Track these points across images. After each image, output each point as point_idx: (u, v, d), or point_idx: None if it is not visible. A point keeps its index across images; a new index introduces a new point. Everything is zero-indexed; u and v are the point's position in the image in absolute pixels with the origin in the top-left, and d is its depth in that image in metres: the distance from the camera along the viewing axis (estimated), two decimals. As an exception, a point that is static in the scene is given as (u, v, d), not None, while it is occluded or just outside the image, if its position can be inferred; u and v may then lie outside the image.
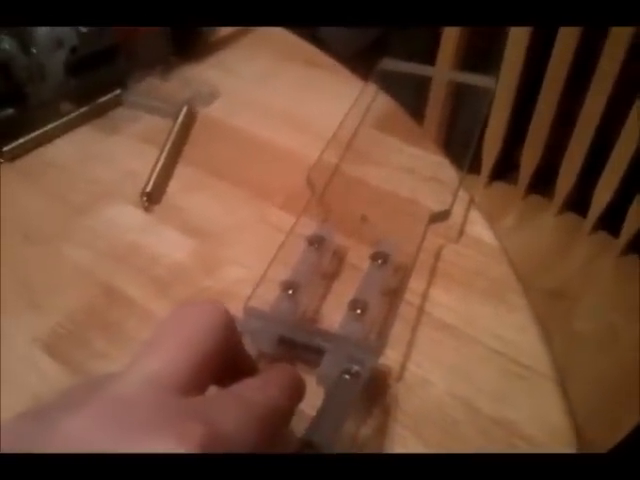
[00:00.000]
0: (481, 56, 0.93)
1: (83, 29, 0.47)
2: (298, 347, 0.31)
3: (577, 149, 0.87)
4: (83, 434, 0.18)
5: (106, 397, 0.19)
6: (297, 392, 0.24)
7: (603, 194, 0.88)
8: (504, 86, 0.91)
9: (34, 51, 0.46)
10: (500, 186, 1.01)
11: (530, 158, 0.95)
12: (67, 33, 0.46)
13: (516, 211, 0.97)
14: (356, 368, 0.29)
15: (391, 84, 0.53)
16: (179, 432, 0.18)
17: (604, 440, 0.71)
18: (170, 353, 0.21)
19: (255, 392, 0.22)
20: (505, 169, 1.00)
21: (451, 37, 0.87)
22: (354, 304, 0.33)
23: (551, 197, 0.95)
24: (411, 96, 0.56)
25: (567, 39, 0.81)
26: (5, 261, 0.38)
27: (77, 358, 0.34)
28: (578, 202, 0.94)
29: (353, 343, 0.31)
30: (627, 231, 0.87)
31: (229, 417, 0.20)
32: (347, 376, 0.29)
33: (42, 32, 0.45)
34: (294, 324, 0.32)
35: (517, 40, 0.85)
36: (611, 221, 0.91)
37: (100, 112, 0.49)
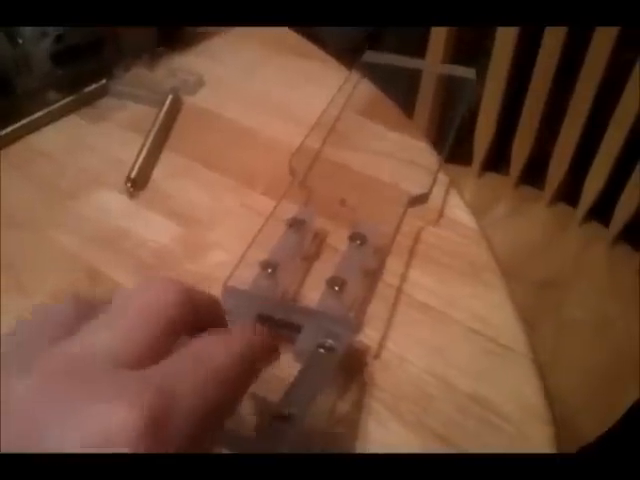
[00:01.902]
0: (470, 50, 0.94)
1: (69, 19, 0.47)
2: (277, 324, 0.32)
3: (567, 140, 0.88)
4: (33, 402, 0.18)
5: (58, 364, 0.19)
6: (263, 351, 0.24)
7: (593, 184, 0.89)
8: (494, 79, 0.91)
9: (20, 41, 0.47)
10: (492, 177, 1.01)
11: (521, 149, 0.95)
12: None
13: (508, 202, 0.98)
14: (331, 342, 0.30)
15: (376, 76, 0.54)
16: (130, 401, 0.18)
17: (594, 426, 0.72)
18: (124, 329, 0.21)
19: (216, 348, 0.22)
20: (496, 160, 1.01)
21: (440, 31, 0.88)
22: (332, 281, 0.33)
23: (542, 188, 0.96)
24: (396, 87, 0.56)
25: (555, 31, 0.82)
26: (-8, 247, 0.39)
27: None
28: (569, 193, 0.95)
29: (330, 318, 0.31)
30: (617, 220, 0.88)
31: (186, 379, 0.20)
32: (322, 350, 0.29)
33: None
34: (272, 301, 0.33)
35: (505, 33, 0.85)
36: (602, 211, 0.92)
37: (87, 101, 0.50)
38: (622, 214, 0.87)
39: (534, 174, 0.98)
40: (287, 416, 0.25)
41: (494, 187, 1.00)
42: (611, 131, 0.83)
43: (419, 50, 0.89)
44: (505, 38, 0.86)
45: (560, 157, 0.90)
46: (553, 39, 0.83)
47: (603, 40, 0.79)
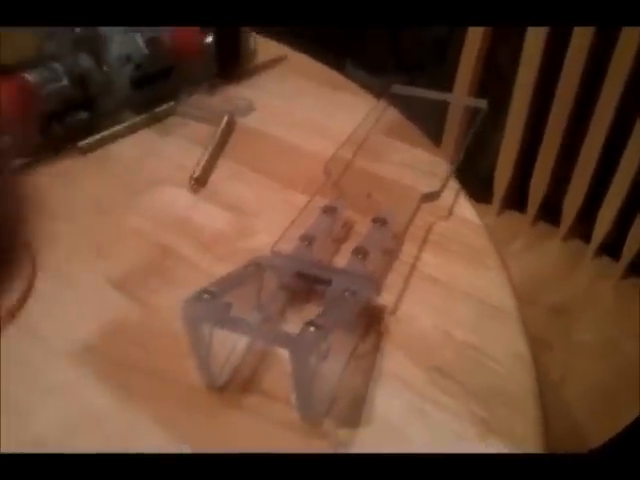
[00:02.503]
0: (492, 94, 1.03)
1: (146, 51, 0.58)
2: (311, 280, 0.40)
3: (580, 181, 0.96)
4: None
5: None
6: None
7: (604, 222, 0.96)
8: (513, 123, 1.01)
9: (106, 69, 0.57)
10: (510, 215, 1.09)
11: (538, 189, 1.03)
12: (133, 52, 0.57)
13: (525, 237, 1.05)
14: (355, 289, 0.38)
15: (404, 107, 0.63)
16: None
17: (599, 435, 0.77)
18: None
19: None
20: (515, 199, 1.09)
21: (469, 66, 0.97)
22: (357, 251, 0.41)
23: (557, 225, 1.03)
24: (421, 117, 0.65)
25: (571, 74, 0.90)
26: (81, 227, 0.48)
27: (138, 293, 0.43)
28: (582, 229, 1.02)
29: (354, 276, 0.39)
30: (627, 254, 0.95)
31: None
32: (347, 294, 0.37)
33: (114, 52, 0.56)
34: (309, 261, 0.41)
35: (525, 82, 0.95)
36: (613, 247, 0.98)
37: (157, 119, 0.60)
38: (631, 248, 0.94)
39: (550, 212, 1.05)
40: (318, 325, 0.32)
41: (512, 224, 1.08)
42: (619, 175, 0.91)
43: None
44: (524, 86, 0.95)
45: (574, 196, 0.98)
46: (569, 85, 0.92)
47: (615, 84, 0.87)
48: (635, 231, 0.92)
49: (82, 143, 0.55)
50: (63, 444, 0.34)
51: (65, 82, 0.54)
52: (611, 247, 0.99)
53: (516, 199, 1.09)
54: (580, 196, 0.98)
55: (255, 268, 0.39)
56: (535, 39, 0.92)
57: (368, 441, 0.34)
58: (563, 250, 1.02)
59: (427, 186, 0.49)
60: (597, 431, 0.78)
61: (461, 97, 0.77)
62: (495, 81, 1.03)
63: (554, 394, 0.82)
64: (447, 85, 1.01)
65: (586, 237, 1.01)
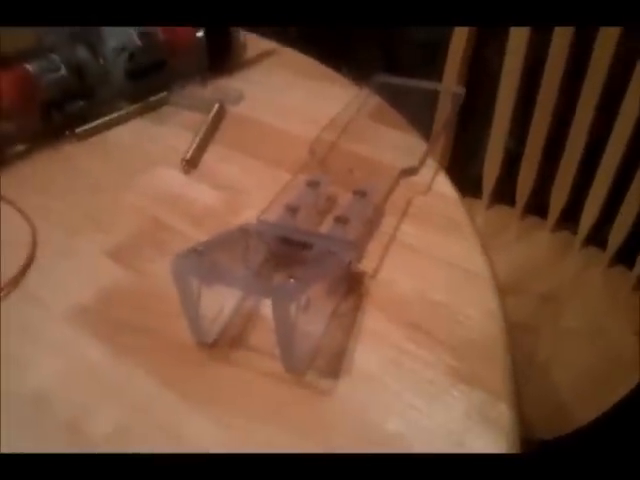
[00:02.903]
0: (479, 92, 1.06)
1: (139, 43, 0.61)
2: (295, 244, 0.43)
3: (566, 174, 0.99)
4: None
5: None
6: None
7: (590, 213, 0.99)
8: (500, 120, 1.04)
9: (101, 60, 0.60)
10: (499, 209, 1.12)
11: (525, 183, 1.06)
12: (128, 44, 0.60)
13: (513, 230, 1.08)
14: (335, 250, 0.40)
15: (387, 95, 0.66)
16: None
17: (586, 415, 0.79)
18: None
19: None
20: (503, 193, 1.11)
21: (455, 66, 1.00)
22: (338, 219, 0.44)
23: (545, 217, 1.06)
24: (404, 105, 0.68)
25: (553, 73, 0.93)
26: (79, 204, 0.51)
27: (133, 263, 0.46)
28: (569, 221, 1.04)
29: (335, 240, 0.42)
30: (613, 244, 0.97)
31: None
32: (328, 254, 0.40)
33: (109, 44, 0.59)
34: (293, 228, 0.44)
35: (511, 69, 0.98)
36: (599, 237, 1.01)
37: (150, 108, 0.63)
38: (616, 237, 0.96)
39: (538, 205, 1.08)
40: (298, 278, 0.35)
41: (501, 217, 1.10)
42: (603, 167, 0.94)
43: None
44: (510, 75, 0.98)
45: (560, 189, 1.01)
46: (552, 82, 0.95)
47: (596, 81, 0.90)
48: (620, 221, 0.94)
49: (80, 130, 0.58)
50: (61, 396, 0.37)
51: (63, 72, 0.57)
52: (598, 237, 1.01)
53: (505, 194, 1.11)
54: (566, 189, 1.00)
55: (242, 233, 0.42)
56: (519, 39, 0.95)
57: (347, 390, 0.37)
58: (551, 241, 1.05)
59: (406, 163, 0.52)
60: (582, 413, 0.80)
61: (440, 84, 0.80)
62: (482, 79, 1.06)
63: (541, 377, 0.84)
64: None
65: (573, 228, 1.04)
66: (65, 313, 0.42)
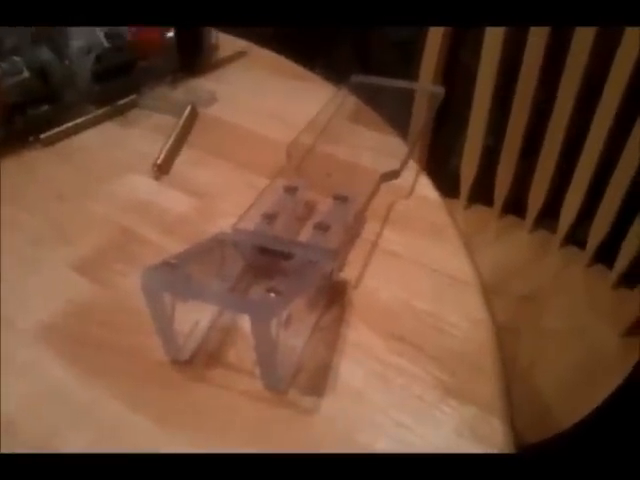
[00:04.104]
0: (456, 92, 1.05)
1: (107, 44, 0.58)
2: (273, 254, 0.41)
3: (544, 174, 0.98)
4: None
5: None
6: None
7: (569, 213, 0.98)
8: (476, 120, 1.02)
9: (66, 62, 0.57)
10: (477, 208, 1.11)
11: (503, 183, 1.05)
12: (94, 45, 0.57)
13: (492, 230, 1.07)
14: (316, 259, 0.38)
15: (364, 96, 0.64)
16: None
17: (568, 417, 0.78)
18: None
19: None
20: (481, 193, 1.10)
21: (431, 66, 0.99)
22: (319, 225, 0.42)
23: (523, 217, 1.05)
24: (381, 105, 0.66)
25: (531, 70, 0.92)
26: (43, 215, 0.48)
27: (101, 276, 0.43)
28: (548, 221, 1.04)
29: (316, 248, 0.40)
30: (592, 243, 0.96)
31: None
32: (308, 265, 0.38)
33: (74, 45, 0.57)
34: (270, 237, 0.41)
35: (487, 67, 0.96)
36: (578, 237, 1.00)
37: (119, 112, 0.60)
38: (596, 237, 0.95)
39: (516, 205, 1.07)
40: (278, 292, 0.33)
41: (480, 217, 1.09)
42: (581, 166, 0.93)
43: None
44: (487, 76, 0.97)
45: (538, 189, 1.00)
46: (528, 82, 0.93)
47: (573, 79, 0.89)
48: (599, 220, 0.94)
49: (44, 135, 0.55)
50: (29, 422, 0.34)
51: (26, 75, 0.54)
52: (577, 236, 1.01)
53: (482, 194, 1.10)
54: (545, 188, 0.99)
55: (217, 244, 0.39)
56: (495, 36, 0.94)
57: (332, 408, 0.35)
58: (530, 241, 1.04)
59: (386, 166, 0.50)
60: (566, 414, 0.79)
61: (418, 84, 0.79)
62: (459, 78, 1.05)
63: (523, 380, 0.83)
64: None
65: (552, 228, 1.03)
66: (29, 330, 0.39)
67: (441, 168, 0.90)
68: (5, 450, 0.33)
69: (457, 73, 1.05)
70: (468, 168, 1.07)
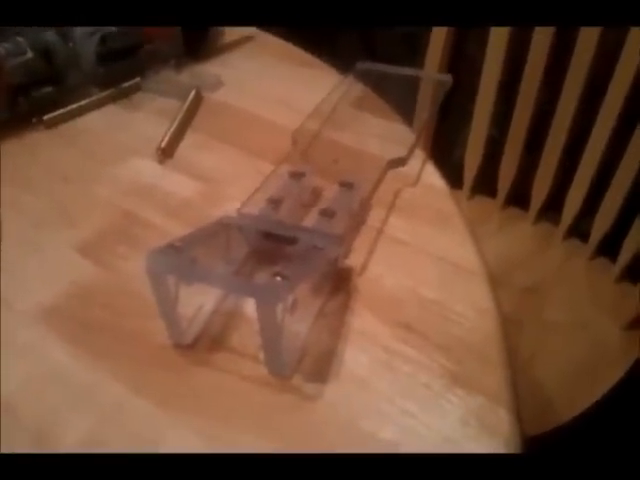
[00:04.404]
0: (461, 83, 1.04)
1: (113, 28, 0.57)
2: (277, 239, 0.40)
3: (548, 166, 0.97)
4: None
5: None
6: None
7: (572, 205, 0.98)
8: (481, 111, 1.02)
9: (71, 44, 0.57)
10: (481, 200, 1.10)
11: (506, 174, 1.04)
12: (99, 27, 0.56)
13: (495, 221, 1.07)
14: (321, 245, 0.38)
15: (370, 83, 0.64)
16: None
17: (569, 410, 0.78)
18: None
19: None
20: (485, 184, 1.10)
21: (436, 58, 0.98)
22: (324, 212, 0.42)
23: (526, 209, 1.05)
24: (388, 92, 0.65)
25: (536, 65, 0.92)
26: (47, 197, 0.48)
27: (104, 259, 0.43)
28: (551, 213, 1.03)
29: (321, 234, 0.39)
30: (595, 236, 0.96)
31: None
32: (313, 250, 0.38)
33: (79, 28, 0.56)
34: (275, 221, 0.41)
35: (493, 60, 0.96)
36: (581, 229, 1.00)
37: (123, 94, 0.59)
38: (599, 230, 0.95)
39: (519, 196, 1.07)
40: (284, 276, 0.32)
41: (483, 208, 1.09)
42: (585, 159, 0.92)
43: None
44: (493, 68, 0.96)
45: (542, 181, 0.99)
46: (534, 73, 0.93)
47: (578, 73, 0.88)
48: (602, 213, 0.93)
49: (48, 117, 0.55)
50: (29, 404, 0.34)
51: (30, 55, 0.54)
52: (580, 229, 1.00)
53: (486, 185, 1.10)
54: (548, 180, 0.99)
55: (222, 227, 0.39)
56: (500, 33, 0.93)
57: (337, 394, 0.34)
58: (533, 233, 1.04)
59: (393, 154, 0.50)
60: (568, 407, 0.79)
61: (425, 72, 0.78)
62: (463, 69, 1.04)
63: (525, 372, 0.83)
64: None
65: (555, 220, 1.02)
66: (30, 312, 0.39)
67: (445, 159, 0.89)
68: (5, 433, 0.32)
69: (462, 65, 1.04)
70: (472, 159, 1.07)
